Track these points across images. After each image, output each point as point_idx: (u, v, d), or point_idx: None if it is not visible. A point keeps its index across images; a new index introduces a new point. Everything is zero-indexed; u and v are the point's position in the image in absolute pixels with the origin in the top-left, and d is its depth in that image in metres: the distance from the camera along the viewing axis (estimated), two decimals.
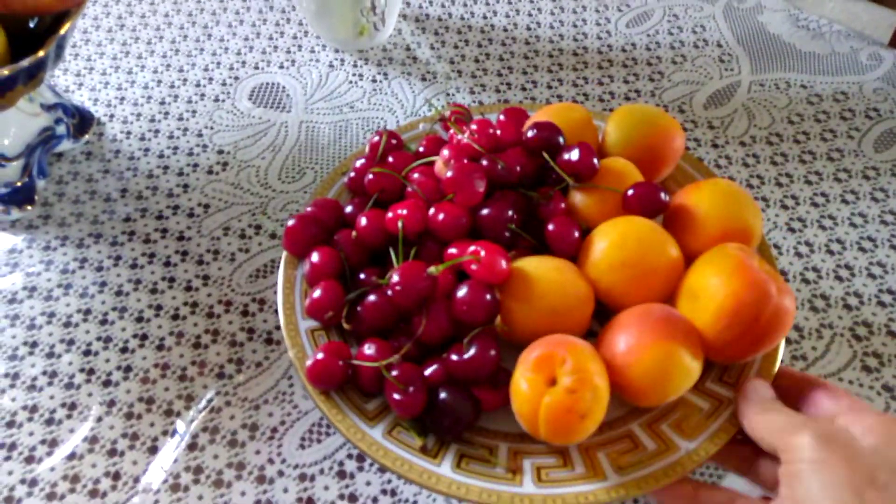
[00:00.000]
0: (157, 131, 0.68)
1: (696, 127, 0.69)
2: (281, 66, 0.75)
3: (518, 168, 0.48)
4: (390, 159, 0.52)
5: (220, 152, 0.66)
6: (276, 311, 0.54)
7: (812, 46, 0.79)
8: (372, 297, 0.44)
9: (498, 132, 0.51)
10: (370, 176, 0.50)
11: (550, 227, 0.46)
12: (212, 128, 0.68)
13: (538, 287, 0.42)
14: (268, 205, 0.62)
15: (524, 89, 0.73)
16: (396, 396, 0.40)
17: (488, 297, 0.41)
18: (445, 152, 0.48)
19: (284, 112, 0.70)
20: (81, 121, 0.67)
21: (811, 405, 0.39)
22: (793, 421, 0.36)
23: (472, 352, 0.41)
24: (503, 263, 0.42)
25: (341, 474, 0.47)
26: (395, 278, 0.41)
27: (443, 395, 0.40)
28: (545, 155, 0.48)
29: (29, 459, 0.47)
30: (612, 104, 0.72)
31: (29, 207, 0.60)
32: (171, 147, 0.66)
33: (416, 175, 0.49)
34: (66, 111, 0.65)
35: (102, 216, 0.61)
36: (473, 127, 0.50)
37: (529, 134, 0.48)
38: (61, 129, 0.64)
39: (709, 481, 0.47)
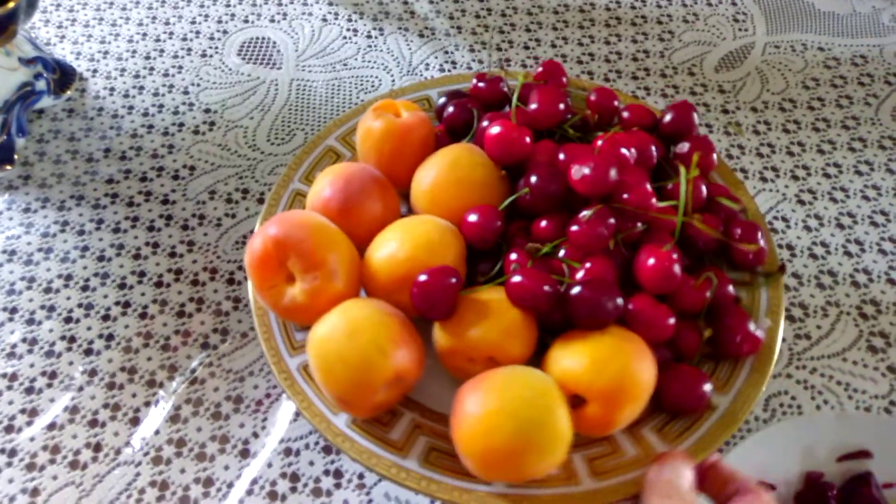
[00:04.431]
0: (141, 88, 0.65)
1: (707, 91, 0.66)
2: (272, 20, 0.71)
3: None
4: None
5: (207, 111, 0.63)
6: None
7: (832, 6, 0.75)
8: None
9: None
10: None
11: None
12: (198, 85, 0.65)
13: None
14: (255, 168, 0.59)
15: (527, 48, 0.70)
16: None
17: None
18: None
19: (275, 69, 0.67)
20: (62, 76, 0.64)
21: None
22: None
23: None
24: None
25: (327, 449, 0.45)
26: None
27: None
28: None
29: (8, 429, 0.46)
30: (618, 65, 0.68)
31: (8, 167, 0.58)
32: (156, 105, 0.64)
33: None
34: (46, 66, 0.62)
35: (84, 177, 0.58)
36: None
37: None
38: (41, 85, 0.61)
39: None
